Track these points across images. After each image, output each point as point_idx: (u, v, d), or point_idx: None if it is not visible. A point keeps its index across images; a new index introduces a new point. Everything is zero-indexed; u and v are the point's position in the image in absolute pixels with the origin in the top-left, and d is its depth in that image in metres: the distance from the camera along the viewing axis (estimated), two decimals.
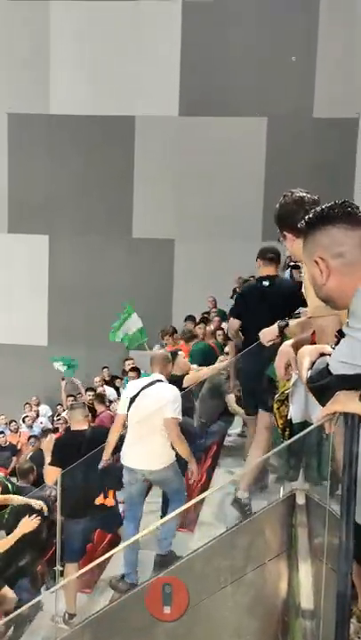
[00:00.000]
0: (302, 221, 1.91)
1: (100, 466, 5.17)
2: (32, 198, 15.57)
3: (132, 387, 5.26)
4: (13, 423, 13.15)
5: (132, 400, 5.05)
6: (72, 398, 11.88)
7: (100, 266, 15.43)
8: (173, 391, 5.12)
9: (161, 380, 5.21)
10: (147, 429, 4.98)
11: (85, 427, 5.77)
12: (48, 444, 5.77)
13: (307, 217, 1.90)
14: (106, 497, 5.34)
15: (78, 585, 5.47)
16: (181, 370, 6.42)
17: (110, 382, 13.45)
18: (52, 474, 5.71)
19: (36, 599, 5.16)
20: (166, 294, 15.14)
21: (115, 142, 15.28)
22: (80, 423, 5.75)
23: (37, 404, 14.32)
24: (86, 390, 12.27)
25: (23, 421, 13.16)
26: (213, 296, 12.72)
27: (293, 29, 14.33)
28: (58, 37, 15.22)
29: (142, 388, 5.08)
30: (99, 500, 5.27)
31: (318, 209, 1.88)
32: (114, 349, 14.84)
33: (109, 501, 5.19)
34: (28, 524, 5.07)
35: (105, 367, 14.35)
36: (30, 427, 12.79)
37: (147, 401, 5.02)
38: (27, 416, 13.40)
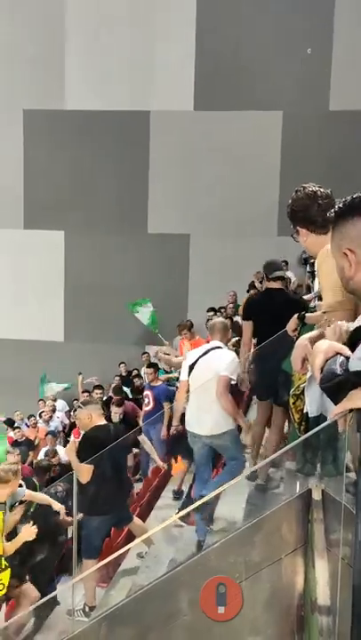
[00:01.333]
0: (331, 212, 1.88)
1: (171, 431, 5.44)
2: (47, 194, 15.63)
3: (191, 355, 5.36)
4: (32, 418, 13.22)
5: (192, 367, 5.15)
6: (87, 394, 11.95)
7: (116, 261, 15.46)
8: (231, 355, 5.20)
9: (220, 347, 5.28)
10: (206, 395, 5.05)
11: (103, 422, 5.79)
12: (70, 450, 5.73)
13: (336, 207, 1.86)
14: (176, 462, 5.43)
15: (96, 579, 5.50)
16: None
17: (126, 377, 13.52)
18: (86, 472, 5.63)
19: (53, 593, 5.19)
20: (182, 289, 15.14)
21: (130, 137, 15.28)
22: (100, 418, 5.81)
23: (54, 400, 14.39)
24: (83, 392, 12.51)
25: (40, 417, 13.23)
26: (235, 291, 12.71)
27: (309, 22, 14.21)
28: (73, 33, 15.24)
29: (201, 356, 5.18)
30: (174, 468, 5.42)
31: (348, 199, 1.84)
32: (130, 344, 14.92)
33: (180, 466, 5.22)
34: (28, 532, 5.06)
35: (122, 363, 14.42)
36: (47, 422, 12.85)
37: (205, 367, 5.11)
38: (43, 411, 13.47)
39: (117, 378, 13.53)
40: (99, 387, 12.22)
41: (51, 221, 15.69)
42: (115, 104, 15.17)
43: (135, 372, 13.52)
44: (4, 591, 5.02)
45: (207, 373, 5.08)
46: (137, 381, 12.73)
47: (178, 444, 5.61)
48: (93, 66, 15.21)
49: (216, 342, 5.31)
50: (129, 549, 5.41)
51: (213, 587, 3.66)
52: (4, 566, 5.01)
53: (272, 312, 4.89)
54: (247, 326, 5.33)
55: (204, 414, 5.07)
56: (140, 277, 14.94)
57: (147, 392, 8.92)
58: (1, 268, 15.97)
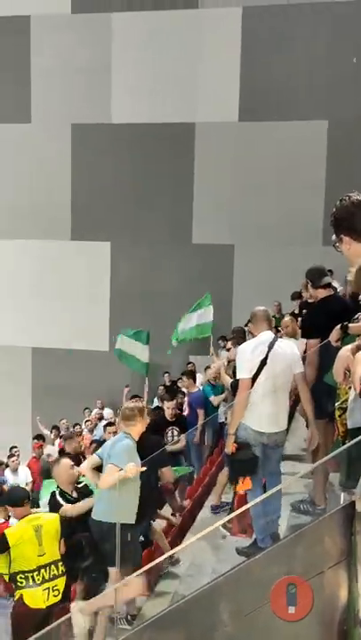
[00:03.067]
0: None
1: (229, 451, 4.96)
2: (94, 206, 15.89)
3: (252, 349, 4.95)
4: (78, 427, 13.39)
5: (263, 363, 4.84)
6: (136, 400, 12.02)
7: (161, 272, 15.57)
8: (295, 346, 5.07)
9: (279, 337, 5.12)
10: (276, 388, 4.87)
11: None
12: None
13: None
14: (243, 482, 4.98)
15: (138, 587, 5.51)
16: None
17: (171, 387, 13.57)
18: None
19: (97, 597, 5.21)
20: (226, 299, 15.12)
21: (175, 149, 15.43)
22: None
23: (102, 408, 14.59)
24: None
25: (85, 425, 13.40)
26: (279, 301, 12.65)
27: (354, 31, 14.11)
28: (119, 48, 15.50)
29: (269, 348, 4.89)
30: (240, 487, 4.98)
31: None
32: (174, 354, 14.97)
33: (247, 485, 4.83)
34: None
35: (166, 372, 14.50)
36: (91, 431, 13.00)
37: (282, 361, 4.88)
38: (88, 420, 13.63)
39: (162, 387, 13.62)
40: (135, 396, 12.40)
41: (97, 232, 15.94)
42: (160, 117, 15.35)
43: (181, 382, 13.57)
44: (59, 597, 5.08)
45: (280, 365, 4.87)
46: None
47: (244, 461, 5.00)
48: (139, 79, 15.44)
49: (269, 332, 5.07)
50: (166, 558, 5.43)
51: (284, 587, 3.64)
52: (60, 572, 5.08)
53: (335, 322, 4.65)
54: (312, 345, 5.02)
55: (273, 408, 4.87)
56: (185, 288, 14.99)
57: (185, 399, 9.08)
58: (48, 279, 16.27)
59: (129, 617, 5.45)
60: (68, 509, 5.36)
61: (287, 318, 8.39)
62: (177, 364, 14.70)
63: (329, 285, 5.30)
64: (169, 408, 8.49)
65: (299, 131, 14.52)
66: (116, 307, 16.05)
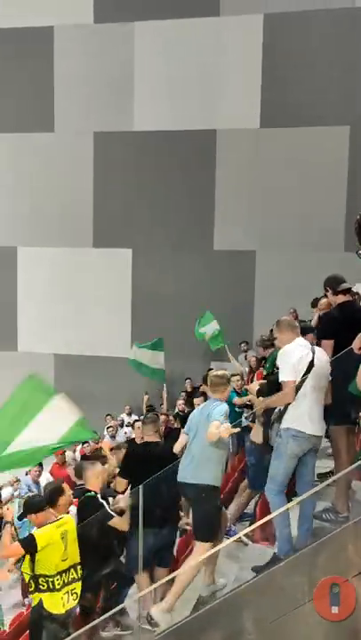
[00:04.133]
0: None
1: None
2: (116, 213, 15.99)
3: (298, 352, 4.94)
4: (110, 429, 13.42)
5: (312, 364, 4.86)
6: (150, 407, 12.10)
7: (182, 278, 15.61)
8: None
9: (312, 343, 5.13)
10: (320, 391, 4.91)
11: (156, 439, 5.82)
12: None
13: None
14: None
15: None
16: None
17: (192, 393, 13.58)
18: (120, 484, 5.89)
19: (120, 606, 5.25)
20: (248, 305, 15.11)
21: (196, 156, 15.48)
22: (150, 436, 5.81)
23: (130, 414, 14.65)
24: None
25: (106, 431, 13.45)
26: (294, 308, 12.60)
27: None
28: (141, 56, 15.62)
29: (313, 352, 4.94)
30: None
31: None
32: (196, 360, 14.99)
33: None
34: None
35: (187, 378, 14.52)
36: (113, 437, 13.03)
37: (321, 363, 4.94)
38: (110, 426, 13.68)
39: (183, 394, 13.65)
40: (150, 406, 12.63)
41: (119, 239, 16.03)
42: (182, 124, 15.42)
43: (201, 388, 13.59)
44: (77, 601, 5.11)
45: (326, 372, 4.95)
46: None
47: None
48: (161, 87, 15.53)
49: (302, 339, 5.08)
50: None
51: (327, 587, 3.62)
52: (78, 576, 5.10)
53: (352, 327, 4.75)
54: (327, 345, 5.13)
55: (318, 412, 4.90)
56: (207, 294, 15.00)
57: None
58: (70, 286, 16.39)
59: (149, 617, 5.46)
60: (120, 524, 5.33)
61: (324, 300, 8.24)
62: (198, 370, 14.71)
63: (348, 291, 5.28)
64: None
65: (320, 137, 14.49)
66: (137, 313, 16.11)
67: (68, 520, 5.16)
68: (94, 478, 5.58)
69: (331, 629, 3.63)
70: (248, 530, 5.33)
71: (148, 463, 5.49)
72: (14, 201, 16.58)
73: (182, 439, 5.34)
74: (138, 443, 6.92)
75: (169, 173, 15.62)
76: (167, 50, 15.43)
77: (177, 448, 5.41)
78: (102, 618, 5.15)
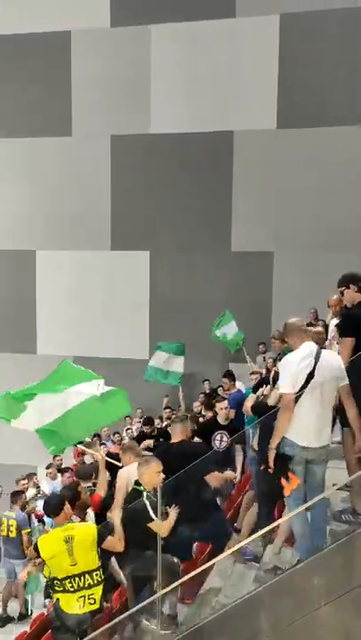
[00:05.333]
0: None
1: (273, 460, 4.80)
2: (133, 216, 16.05)
3: (298, 361, 4.74)
4: (117, 434, 13.52)
5: (311, 374, 4.67)
6: (169, 410, 12.11)
7: (200, 280, 15.62)
8: (339, 357, 4.86)
9: (323, 348, 4.94)
10: (323, 402, 4.72)
11: (181, 439, 5.86)
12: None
13: None
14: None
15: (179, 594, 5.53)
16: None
17: (210, 395, 13.58)
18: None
19: (139, 605, 5.26)
20: (266, 306, 15.07)
21: (213, 158, 15.48)
22: (177, 436, 5.83)
23: (141, 417, 14.67)
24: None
25: (125, 432, 13.49)
26: (316, 308, 12.55)
27: None
28: (158, 59, 15.66)
29: (316, 360, 4.71)
30: (289, 487, 4.78)
31: None
32: (213, 362, 14.99)
33: (294, 481, 4.67)
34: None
35: (206, 380, 14.51)
36: (133, 438, 13.05)
37: (329, 374, 4.71)
38: (129, 428, 13.73)
39: (202, 395, 13.65)
40: (167, 407, 12.68)
41: (136, 242, 16.09)
42: (198, 126, 15.43)
43: (220, 390, 13.58)
44: (95, 606, 5.04)
45: (331, 381, 4.71)
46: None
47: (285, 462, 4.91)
48: (177, 89, 15.56)
49: (311, 343, 4.85)
50: (212, 567, 5.43)
51: None
52: (96, 581, 5.01)
53: None
54: (347, 343, 4.94)
55: (319, 423, 4.71)
56: (225, 295, 15.00)
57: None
58: (89, 289, 16.48)
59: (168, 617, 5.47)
60: (159, 529, 5.25)
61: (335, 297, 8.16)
62: (216, 372, 14.71)
63: None
64: (222, 409, 7.77)
65: (337, 137, 14.42)
66: (155, 315, 16.15)
67: (76, 526, 5.11)
68: (147, 476, 5.46)
69: (348, 633, 3.61)
70: (265, 531, 5.19)
71: (172, 462, 5.52)
72: (32, 205, 16.71)
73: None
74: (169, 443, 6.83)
75: (186, 175, 15.65)
76: (183, 52, 15.46)
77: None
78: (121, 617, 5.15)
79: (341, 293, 5.32)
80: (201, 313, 15.00)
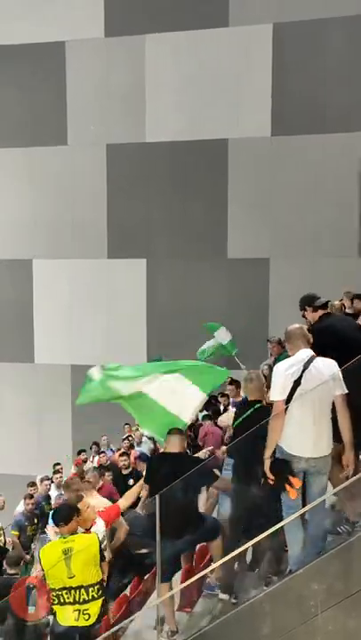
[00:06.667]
0: None
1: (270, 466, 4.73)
2: (130, 224, 16.10)
3: (286, 368, 4.70)
4: (126, 441, 13.37)
5: (298, 381, 4.59)
6: None
7: (197, 287, 15.66)
8: (335, 365, 4.71)
9: (316, 355, 4.79)
10: (314, 411, 4.61)
11: (178, 450, 5.69)
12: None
13: None
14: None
15: (176, 603, 5.52)
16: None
17: (209, 401, 13.55)
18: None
19: (133, 616, 5.25)
20: (262, 313, 15.12)
21: (209, 166, 15.56)
22: (174, 447, 5.79)
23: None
24: None
25: (126, 441, 13.41)
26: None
27: None
28: (152, 68, 15.76)
29: (304, 367, 4.63)
30: (292, 492, 4.71)
31: None
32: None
33: (297, 484, 4.63)
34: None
35: None
36: (139, 444, 13.00)
37: (312, 380, 4.61)
38: (129, 436, 13.65)
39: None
40: None
41: (133, 250, 16.13)
42: (193, 134, 15.51)
43: (219, 396, 13.55)
44: (90, 622, 4.95)
45: (321, 390, 4.60)
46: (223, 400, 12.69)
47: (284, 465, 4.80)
48: (172, 98, 15.65)
49: (308, 350, 4.77)
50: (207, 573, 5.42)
51: None
52: (91, 597, 4.93)
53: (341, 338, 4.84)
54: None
55: (313, 432, 4.61)
56: (221, 302, 15.05)
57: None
58: (86, 297, 16.51)
59: (169, 633, 5.45)
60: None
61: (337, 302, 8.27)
62: None
63: (325, 305, 5.45)
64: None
65: (332, 143, 14.50)
66: (153, 322, 16.17)
67: (76, 538, 5.03)
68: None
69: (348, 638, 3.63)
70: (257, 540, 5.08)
71: (164, 473, 5.49)
72: (28, 214, 16.75)
73: None
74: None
75: (181, 183, 15.71)
76: (177, 61, 15.56)
77: None
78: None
79: (304, 317, 5.52)
80: (198, 320, 14.99)
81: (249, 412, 5.37)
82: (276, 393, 4.66)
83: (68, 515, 5.14)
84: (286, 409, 4.60)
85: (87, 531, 5.34)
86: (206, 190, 15.60)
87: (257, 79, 15.01)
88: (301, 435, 4.61)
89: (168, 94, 15.69)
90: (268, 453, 4.65)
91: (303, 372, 4.62)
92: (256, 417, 5.16)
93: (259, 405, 5.36)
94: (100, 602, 4.99)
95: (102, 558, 5.12)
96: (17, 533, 9.48)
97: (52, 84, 16.37)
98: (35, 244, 16.87)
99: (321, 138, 14.59)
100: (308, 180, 14.70)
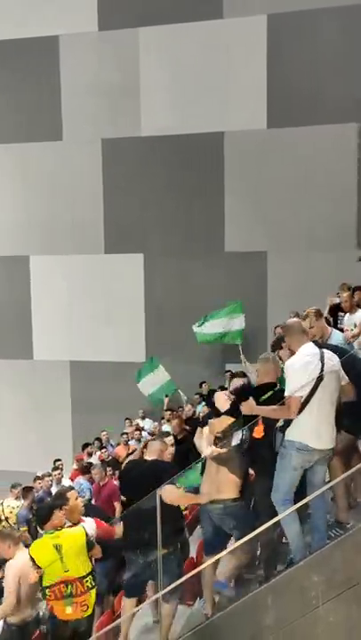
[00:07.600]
0: None
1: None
2: (126, 219, 16.05)
3: (305, 364, 4.65)
4: (125, 436, 13.40)
5: (320, 378, 4.57)
6: (169, 413, 12.10)
7: (195, 281, 15.63)
8: (335, 355, 4.79)
9: (321, 347, 4.83)
10: (331, 402, 4.66)
11: (154, 457, 5.63)
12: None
13: None
14: None
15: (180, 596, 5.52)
16: None
17: (209, 396, 13.57)
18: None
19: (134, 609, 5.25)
20: (260, 307, 15.09)
21: (205, 159, 15.50)
22: (152, 454, 5.69)
23: (143, 418, 14.70)
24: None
25: (126, 436, 13.44)
26: (296, 311, 12.41)
27: None
28: (147, 61, 15.68)
29: (322, 362, 4.63)
30: (257, 432, 4.83)
31: None
32: (211, 364, 15.02)
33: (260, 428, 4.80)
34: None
35: (203, 382, 14.52)
36: (139, 440, 13.03)
37: (331, 374, 4.67)
38: (125, 433, 13.67)
39: (197, 396, 13.69)
40: (169, 409, 12.70)
41: (130, 245, 16.09)
42: (189, 127, 15.45)
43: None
44: (89, 612, 5.13)
45: (337, 380, 4.69)
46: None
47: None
48: (167, 91, 15.57)
49: (312, 344, 4.80)
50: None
51: None
52: (85, 588, 5.08)
53: None
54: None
55: (328, 423, 4.65)
56: (219, 296, 15.01)
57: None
58: (84, 293, 16.47)
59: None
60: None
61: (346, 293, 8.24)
62: (213, 372, 14.73)
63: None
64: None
65: (328, 134, 14.45)
66: (151, 317, 16.15)
67: (62, 534, 5.15)
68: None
69: (349, 630, 3.62)
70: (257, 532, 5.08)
71: (140, 480, 5.43)
72: (25, 210, 16.71)
73: None
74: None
75: (178, 177, 15.66)
76: (172, 54, 15.48)
77: None
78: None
79: (280, 358, 5.59)
80: (196, 314, 15.00)
81: (268, 394, 5.20)
82: (294, 389, 4.61)
83: (46, 514, 5.28)
84: (304, 406, 4.57)
85: (74, 525, 5.37)
86: (203, 183, 15.54)
87: (252, 71, 14.93)
88: (321, 427, 4.62)
89: (163, 87, 15.62)
90: (256, 411, 4.83)
91: (323, 367, 4.62)
92: (274, 400, 5.05)
93: (278, 389, 5.22)
94: (94, 591, 5.15)
95: (91, 547, 5.22)
96: (26, 528, 9.50)
97: (45, 78, 16.29)
98: (31, 241, 16.82)
99: (317, 129, 14.51)
100: (304, 172, 14.64)
